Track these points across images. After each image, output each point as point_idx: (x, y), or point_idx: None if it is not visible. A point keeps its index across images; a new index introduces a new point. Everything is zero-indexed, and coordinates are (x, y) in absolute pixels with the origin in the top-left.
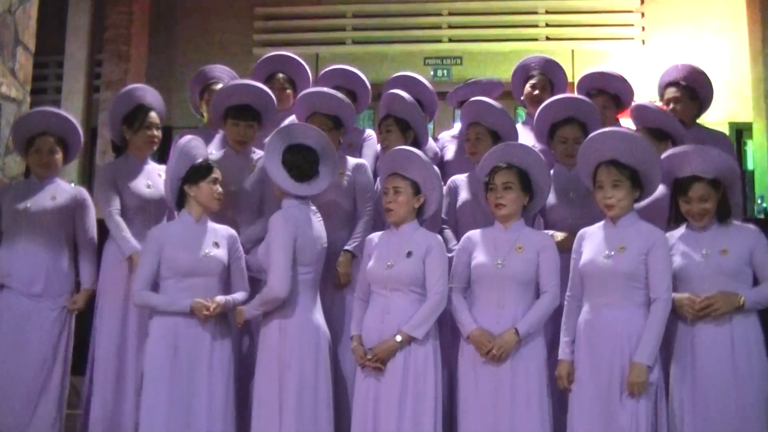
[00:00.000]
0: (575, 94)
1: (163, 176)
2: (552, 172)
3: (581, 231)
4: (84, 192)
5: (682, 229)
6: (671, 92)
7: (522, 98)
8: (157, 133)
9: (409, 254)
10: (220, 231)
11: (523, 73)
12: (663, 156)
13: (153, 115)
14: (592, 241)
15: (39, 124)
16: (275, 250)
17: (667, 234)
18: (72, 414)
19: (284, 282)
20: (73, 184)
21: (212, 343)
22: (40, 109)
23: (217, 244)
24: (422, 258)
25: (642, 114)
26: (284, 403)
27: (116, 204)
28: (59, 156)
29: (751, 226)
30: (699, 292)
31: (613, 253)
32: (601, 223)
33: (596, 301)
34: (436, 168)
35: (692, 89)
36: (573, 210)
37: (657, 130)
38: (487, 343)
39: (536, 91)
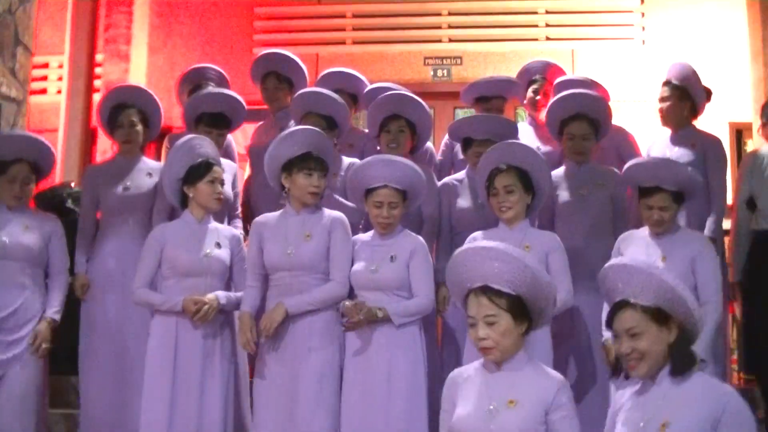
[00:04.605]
0: (585, 90)
1: (153, 175)
2: (563, 168)
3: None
4: (56, 220)
5: (634, 386)
6: (663, 91)
7: (525, 102)
8: (132, 131)
9: (392, 259)
10: (223, 231)
11: (525, 77)
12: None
13: (129, 112)
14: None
15: (12, 150)
16: (348, 249)
17: (619, 392)
18: (71, 414)
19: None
20: (73, 184)
21: (212, 341)
22: (13, 133)
23: (218, 245)
24: (405, 262)
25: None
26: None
27: (89, 215)
28: (32, 186)
29: (719, 387)
30: None
31: None
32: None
33: None
34: (421, 173)
35: (683, 89)
36: (584, 206)
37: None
38: None
39: (538, 97)
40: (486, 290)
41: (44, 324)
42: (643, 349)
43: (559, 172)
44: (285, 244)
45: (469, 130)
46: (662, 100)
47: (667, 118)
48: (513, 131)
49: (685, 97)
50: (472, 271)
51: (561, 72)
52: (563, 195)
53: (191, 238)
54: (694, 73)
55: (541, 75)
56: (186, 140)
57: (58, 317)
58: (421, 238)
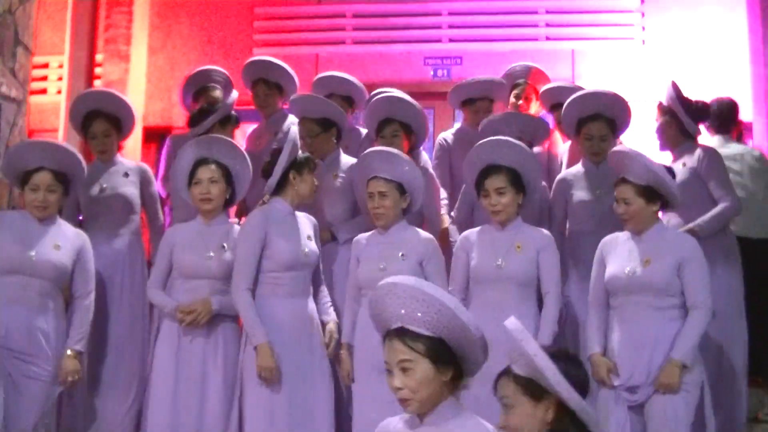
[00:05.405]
0: (603, 89)
1: (130, 175)
2: (581, 167)
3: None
4: (86, 237)
5: None
6: (657, 114)
7: (508, 107)
8: (105, 141)
9: (402, 256)
10: (233, 233)
11: (507, 81)
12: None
13: (100, 122)
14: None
15: (34, 158)
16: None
17: None
18: None
19: None
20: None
21: (215, 342)
22: (35, 141)
23: (224, 247)
24: (418, 261)
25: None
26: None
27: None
28: (58, 195)
29: None
30: None
31: None
32: None
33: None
34: (416, 167)
35: (668, 107)
36: (600, 207)
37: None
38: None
39: (521, 101)
40: (401, 333)
41: (69, 360)
42: (514, 424)
43: (575, 171)
44: (298, 242)
45: (501, 128)
46: (656, 121)
47: (661, 138)
48: (545, 131)
49: (671, 115)
50: (387, 310)
51: (543, 75)
52: (578, 194)
53: (197, 240)
54: (677, 90)
55: (523, 79)
56: (184, 147)
57: (82, 347)
58: (430, 235)
